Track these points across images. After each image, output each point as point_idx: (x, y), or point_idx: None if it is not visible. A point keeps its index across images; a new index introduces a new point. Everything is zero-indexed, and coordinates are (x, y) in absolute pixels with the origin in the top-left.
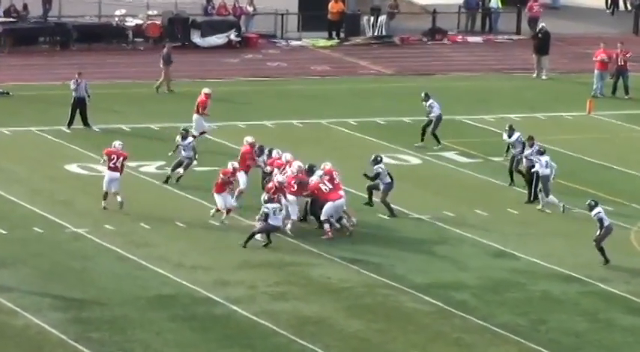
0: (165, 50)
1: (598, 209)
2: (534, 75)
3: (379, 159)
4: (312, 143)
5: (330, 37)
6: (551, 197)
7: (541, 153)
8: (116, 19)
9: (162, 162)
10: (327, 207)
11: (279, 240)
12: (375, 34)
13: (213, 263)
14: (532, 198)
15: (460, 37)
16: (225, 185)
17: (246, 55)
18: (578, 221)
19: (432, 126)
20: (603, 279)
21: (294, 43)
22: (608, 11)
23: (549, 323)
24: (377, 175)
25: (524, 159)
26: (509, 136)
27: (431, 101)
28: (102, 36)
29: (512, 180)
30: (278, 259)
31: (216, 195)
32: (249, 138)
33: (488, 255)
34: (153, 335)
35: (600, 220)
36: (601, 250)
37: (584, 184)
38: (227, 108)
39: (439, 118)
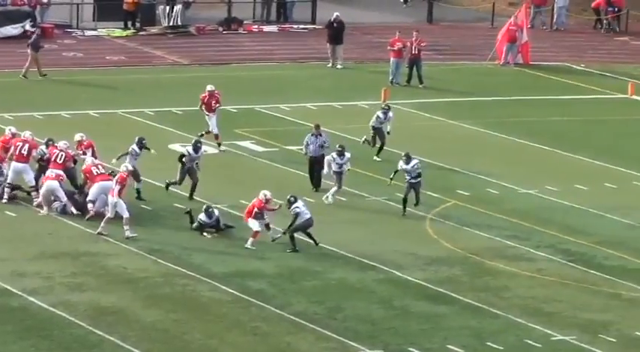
0: (34, 36)
1: (296, 204)
2: (329, 64)
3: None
4: (108, 133)
5: (126, 27)
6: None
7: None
8: None
9: None
10: (93, 189)
11: (76, 230)
12: (171, 23)
13: (8, 254)
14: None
15: (256, 26)
16: None
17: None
18: (373, 209)
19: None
20: (399, 267)
21: (89, 33)
22: (402, 0)
23: (345, 311)
24: (296, 215)
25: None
26: (407, 163)
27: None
28: None
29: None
30: (74, 250)
31: None
32: (12, 128)
33: (284, 244)
34: None
35: (296, 215)
36: (292, 239)
37: (379, 172)
38: (22, 98)
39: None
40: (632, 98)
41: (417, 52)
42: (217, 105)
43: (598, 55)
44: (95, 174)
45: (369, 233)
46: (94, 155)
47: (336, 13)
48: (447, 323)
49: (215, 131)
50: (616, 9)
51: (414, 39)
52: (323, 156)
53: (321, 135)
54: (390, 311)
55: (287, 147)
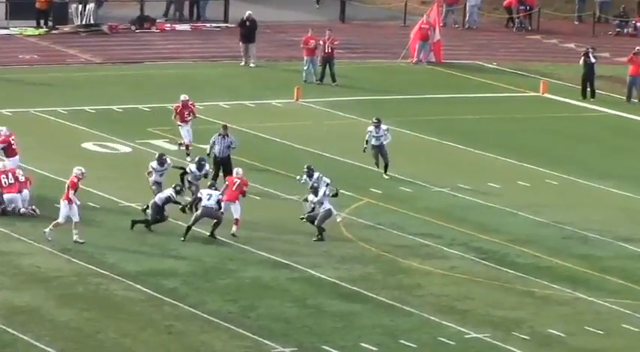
0: None
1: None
2: (242, 63)
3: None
4: (21, 132)
5: (39, 26)
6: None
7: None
8: None
9: None
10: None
11: None
12: (84, 22)
13: None
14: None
15: (168, 25)
16: None
17: None
18: (285, 207)
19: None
20: (313, 265)
21: (1, 31)
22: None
23: (259, 310)
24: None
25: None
26: (309, 176)
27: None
28: None
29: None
30: None
31: None
32: None
33: (199, 242)
34: None
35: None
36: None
37: (292, 170)
38: None
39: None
40: (544, 96)
41: (330, 51)
42: (191, 116)
43: (510, 54)
44: (4, 185)
45: (283, 231)
46: (10, 152)
47: (248, 12)
48: (360, 321)
49: (186, 141)
50: (527, 7)
51: (326, 37)
52: (229, 157)
53: (228, 135)
54: (304, 309)
55: (200, 146)
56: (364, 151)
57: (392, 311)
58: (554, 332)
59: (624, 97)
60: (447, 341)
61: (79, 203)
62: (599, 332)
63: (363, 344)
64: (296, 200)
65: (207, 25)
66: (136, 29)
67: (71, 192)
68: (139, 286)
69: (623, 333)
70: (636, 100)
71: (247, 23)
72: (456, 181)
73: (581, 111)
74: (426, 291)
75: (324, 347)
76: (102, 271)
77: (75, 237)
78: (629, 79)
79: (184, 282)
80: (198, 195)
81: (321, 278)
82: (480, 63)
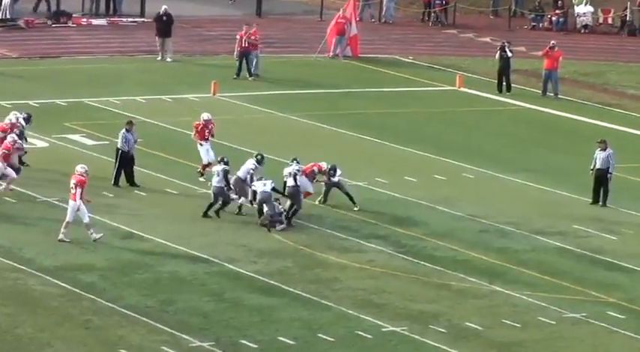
0: None
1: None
2: (159, 57)
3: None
4: None
5: None
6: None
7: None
8: None
9: None
10: None
11: None
12: (0, 17)
13: None
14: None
15: (85, 19)
16: None
17: None
18: (204, 202)
19: None
20: (230, 259)
21: None
22: None
23: (177, 304)
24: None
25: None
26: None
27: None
28: None
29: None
30: None
31: None
32: None
33: (117, 237)
34: None
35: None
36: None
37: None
38: None
39: None
40: (460, 90)
41: (246, 45)
42: (209, 135)
43: (426, 48)
44: None
45: (201, 226)
46: None
47: (164, 7)
48: (278, 315)
49: (205, 161)
50: (444, 2)
51: (243, 32)
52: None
53: (132, 131)
54: (222, 303)
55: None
56: None
57: (309, 305)
58: (471, 325)
59: (540, 91)
60: (365, 335)
61: (87, 202)
62: (515, 324)
63: (280, 338)
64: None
65: (124, 19)
66: (53, 24)
67: (79, 190)
68: (56, 281)
69: (539, 326)
70: (551, 94)
71: (164, 18)
72: (373, 175)
73: (497, 105)
74: (344, 285)
75: (241, 341)
76: (19, 266)
77: (93, 236)
78: (544, 73)
79: (102, 277)
80: (253, 187)
81: (238, 272)
82: (397, 57)
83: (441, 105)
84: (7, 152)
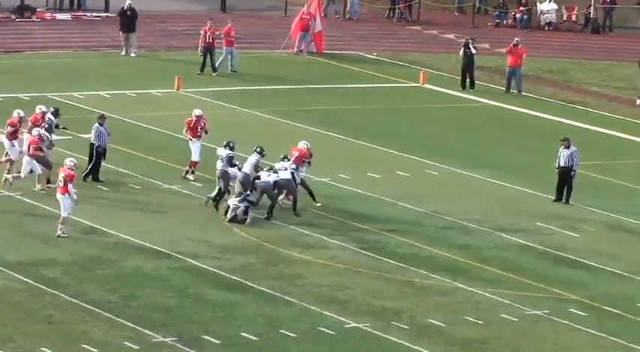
0: None
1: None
2: (123, 52)
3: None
4: None
5: None
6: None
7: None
8: None
9: None
10: None
11: None
12: None
13: None
14: None
15: (49, 14)
16: None
17: None
18: (168, 198)
19: None
20: (194, 255)
21: None
22: None
23: (140, 299)
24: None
25: None
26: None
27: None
28: None
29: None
30: None
31: None
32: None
33: (80, 232)
34: None
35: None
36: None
37: (172, 159)
38: None
39: None
40: (424, 87)
41: (211, 41)
42: (202, 131)
43: (390, 44)
44: None
45: (164, 221)
46: None
47: (128, 1)
48: (241, 311)
49: (195, 158)
50: None
51: (207, 27)
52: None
53: (104, 125)
54: (185, 299)
55: (81, 136)
56: None
57: (272, 301)
58: (433, 321)
59: (503, 88)
60: (327, 331)
61: (75, 198)
62: (478, 321)
63: (243, 334)
64: (177, 190)
65: (88, 14)
66: (17, 18)
67: (69, 185)
68: (18, 276)
69: (501, 323)
70: (515, 91)
71: (128, 13)
72: (336, 171)
73: (460, 101)
74: (307, 281)
75: (204, 336)
76: None
77: (59, 232)
78: (508, 70)
79: (65, 272)
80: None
81: (202, 268)
82: (361, 53)
83: (405, 101)
84: (35, 146)
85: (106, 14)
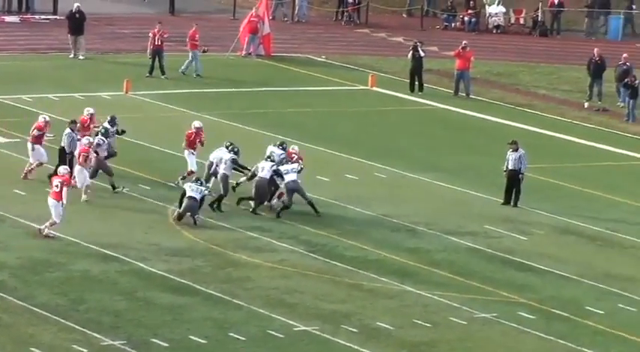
0: None
1: None
2: (71, 55)
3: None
4: None
5: None
6: None
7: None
8: None
9: None
10: None
11: None
12: None
13: None
14: None
15: None
16: None
17: None
18: (116, 201)
19: None
20: (142, 258)
21: None
22: None
23: (89, 303)
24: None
25: None
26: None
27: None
28: None
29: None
30: None
31: None
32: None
33: (29, 235)
34: None
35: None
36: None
37: (125, 164)
38: None
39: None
40: (373, 89)
41: (159, 43)
42: (199, 143)
43: (339, 47)
44: None
45: (113, 224)
46: None
47: (76, 4)
48: (189, 314)
49: (193, 169)
50: (356, 1)
51: (156, 30)
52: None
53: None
54: (134, 302)
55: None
56: None
57: (221, 304)
58: (382, 324)
59: (452, 91)
60: (276, 334)
61: (65, 203)
62: (426, 325)
63: (192, 337)
64: (126, 193)
65: (36, 16)
66: None
67: (65, 189)
68: None
69: (450, 326)
70: (463, 94)
71: (76, 15)
72: None
73: (409, 104)
74: (255, 284)
75: (153, 340)
76: None
77: (45, 231)
78: (456, 73)
79: (13, 275)
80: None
81: (150, 271)
82: (309, 56)
83: (354, 104)
84: (85, 155)
85: (55, 17)
